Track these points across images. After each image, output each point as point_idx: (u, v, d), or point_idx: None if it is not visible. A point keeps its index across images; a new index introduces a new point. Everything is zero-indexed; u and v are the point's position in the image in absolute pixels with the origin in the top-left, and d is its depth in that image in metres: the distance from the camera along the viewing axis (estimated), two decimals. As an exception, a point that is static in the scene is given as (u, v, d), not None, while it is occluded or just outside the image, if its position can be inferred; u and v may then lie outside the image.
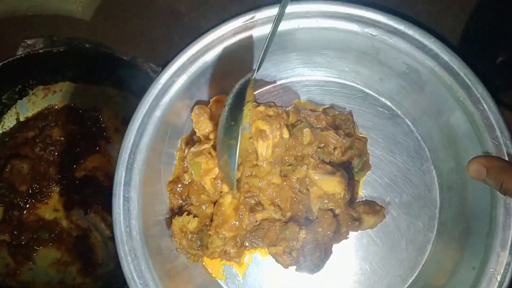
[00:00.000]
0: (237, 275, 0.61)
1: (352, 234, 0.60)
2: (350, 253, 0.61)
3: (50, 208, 0.71)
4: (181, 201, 0.60)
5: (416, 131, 0.61)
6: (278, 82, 0.64)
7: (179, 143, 0.61)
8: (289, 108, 0.60)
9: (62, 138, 0.72)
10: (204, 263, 0.61)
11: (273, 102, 0.62)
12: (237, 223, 0.57)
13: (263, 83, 0.63)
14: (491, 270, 0.51)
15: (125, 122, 0.70)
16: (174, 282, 0.57)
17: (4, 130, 0.73)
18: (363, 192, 0.61)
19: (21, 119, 0.73)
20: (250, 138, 0.57)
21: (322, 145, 0.58)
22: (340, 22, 0.55)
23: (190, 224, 0.57)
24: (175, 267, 0.59)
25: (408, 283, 0.59)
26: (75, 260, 0.69)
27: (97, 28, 0.73)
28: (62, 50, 0.67)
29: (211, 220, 0.59)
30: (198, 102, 0.61)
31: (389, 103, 0.62)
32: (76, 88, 0.72)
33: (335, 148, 0.58)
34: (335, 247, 0.59)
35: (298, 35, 0.57)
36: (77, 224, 0.70)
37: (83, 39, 0.72)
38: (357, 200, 0.61)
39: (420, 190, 0.60)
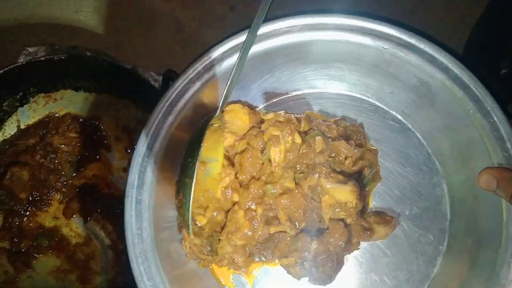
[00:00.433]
0: (246, 284, 0.61)
1: (362, 245, 0.60)
2: (360, 264, 0.60)
3: (50, 216, 0.71)
4: (191, 208, 0.60)
5: (426, 144, 0.62)
6: (291, 94, 0.65)
7: (192, 150, 0.62)
8: (301, 115, 0.61)
9: (63, 146, 0.72)
10: (213, 271, 0.61)
11: (284, 110, 0.63)
12: (250, 232, 0.57)
13: (275, 94, 0.64)
14: (502, 281, 0.50)
15: (126, 130, 0.73)
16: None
17: (4, 138, 0.73)
18: (373, 204, 0.61)
19: (22, 126, 0.74)
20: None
21: (333, 154, 0.58)
22: (352, 35, 0.57)
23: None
24: (184, 273, 0.59)
25: (418, 296, 0.59)
26: (74, 268, 0.69)
27: (98, 37, 0.74)
28: (63, 58, 0.67)
29: (222, 227, 0.59)
30: (211, 110, 0.62)
31: (399, 116, 0.63)
32: (77, 96, 0.73)
33: (346, 158, 0.58)
34: (346, 258, 0.59)
35: (311, 47, 0.59)
36: (77, 232, 0.70)
37: (85, 48, 0.74)
38: (368, 211, 0.61)
39: (430, 202, 0.61)
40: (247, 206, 0.58)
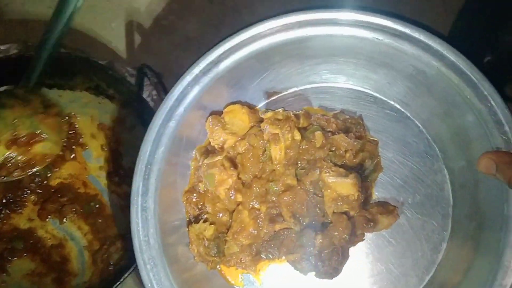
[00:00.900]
0: (255, 282, 0.62)
1: (367, 236, 0.60)
2: (365, 255, 0.61)
3: (25, 218, 0.70)
4: (197, 210, 0.61)
5: (426, 132, 0.62)
6: (289, 91, 0.65)
7: (194, 153, 0.62)
8: (300, 112, 0.62)
9: None
10: (222, 271, 0.62)
11: (283, 108, 0.63)
12: (255, 231, 0.58)
13: (274, 92, 0.65)
14: (506, 263, 0.51)
15: (102, 128, 0.71)
16: (193, 290, 0.58)
17: (-24, 138, 0.71)
18: (376, 194, 0.62)
19: (-6, 126, 0.71)
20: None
21: (334, 148, 0.59)
22: (346, 28, 0.57)
23: (206, 231, 0.58)
24: (193, 276, 0.60)
25: (425, 282, 0.60)
26: (49, 271, 0.68)
27: (73, 33, 0.72)
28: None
29: (228, 228, 0.60)
30: (212, 112, 0.62)
31: (398, 106, 0.63)
32: (50, 94, 0.68)
33: (346, 151, 0.59)
34: (351, 250, 0.60)
35: (306, 43, 0.59)
36: (52, 234, 0.70)
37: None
38: (371, 202, 0.61)
39: (433, 189, 0.61)
40: (251, 206, 0.58)
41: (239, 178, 0.59)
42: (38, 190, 0.71)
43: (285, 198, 0.57)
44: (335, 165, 0.58)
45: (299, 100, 0.65)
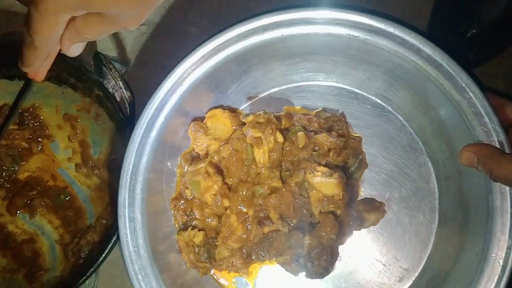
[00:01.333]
0: (248, 284, 0.62)
1: (356, 233, 0.60)
2: (356, 253, 0.61)
3: None
4: (185, 217, 0.61)
5: (408, 126, 0.62)
6: (270, 91, 0.65)
7: (179, 159, 0.63)
8: (281, 113, 0.62)
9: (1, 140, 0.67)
10: (214, 276, 0.62)
11: (264, 110, 0.63)
12: (244, 235, 0.58)
13: (254, 94, 0.65)
14: (493, 255, 0.51)
15: (67, 118, 0.68)
16: (186, 297, 0.58)
17: None
18: (362, 191, 0.62)
19: (-46, 122, 0.68)
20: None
21: (317, 147, 0.59)
22: (321, 26, 0.56)
23: (195, 238, 0.59)
24: (186, 282, 0.60)
25: (416, 275, 0.60)
26: (21, 267, 0.67)
27: None
28: None
29: (217, 232, 0.60)
30: (194, 118, 0.62)
31: (379, 101, 0.63)
32: (12, 86, 0.65)
33: (329, 150, 0.59)
34: (341, 248, 0.60)
35: (283, 43, 0.58)
36: (23, 229, 0.69)
37: (21, 34, 0.69)
38: (358, 199, 0.62)
39: (418, 183, 0.61)
40: (238, 210, 0.59)
41: (225, 183, 0.59)
42: (6, 185, 0.69)
43: (271, 200, 0.58)
44: (319, 164, 0.58)
45: (281, 100, 0.65)
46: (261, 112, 0.61)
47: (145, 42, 0.73)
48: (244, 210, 0.59)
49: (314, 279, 0.59)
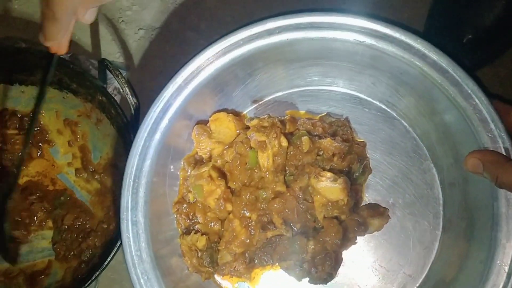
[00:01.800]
0: (250, 289, 0.62)
1: (359, 239, 0.60)
2: (359, 258, 0.61)
3: None
4: (188, 221, 0.61)
5: (413, 131, 0.62)
6: (274, 95, 0.65)
7: (182, 163, 0.62)
8: (285, 117, 0.62)
9: (0, 144, 0.69)
10: (217, 280, 0.62)
11: (268, 114, 0.63)
12: (247, 240, 0.58)
13: (259, 98, 0.65)
14: (498, 262, 0.51)
15: (67, 123, 0.69)
16: (188, 301, 0.58)
17: None
18: (366, 196, 0.62)
19: (-44, 126, 0.68)
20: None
21: (321, 152, 0.59)
22: (327, 31, 0.56)
23: (198, 242, 0.58)
24: (188, 286, 0.60)
25: (419, 282, 0.60)
26: (21, 271, 0.67)
27: (35, 26, 0.70)
28: None
29: (220, 237, 0.59)
30: (198, 122, 0.62)
31: (384, 106, 0.63)
32: (13, 90, 0.67)
33: (334, 155, 0.59)
34: (345, 254, 0.60)
35: (288, 48, 0.58)
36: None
37: (20, 38, 0.69)
38: (362, 205, 0.61)
39: (422, 189, 0.61)
40: (241, 214, 0.58)
41: (228, 187, 0.59)
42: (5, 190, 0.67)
43: (275, 205, 0.57)
44: (324, 169, 0.58)
45: (285, 105, 0.65)
46: (265, 116, 0.61)
47: (144, 46, 0.73)
48: (247, 214, 0.59)
49: (318, 285, 0.58)
